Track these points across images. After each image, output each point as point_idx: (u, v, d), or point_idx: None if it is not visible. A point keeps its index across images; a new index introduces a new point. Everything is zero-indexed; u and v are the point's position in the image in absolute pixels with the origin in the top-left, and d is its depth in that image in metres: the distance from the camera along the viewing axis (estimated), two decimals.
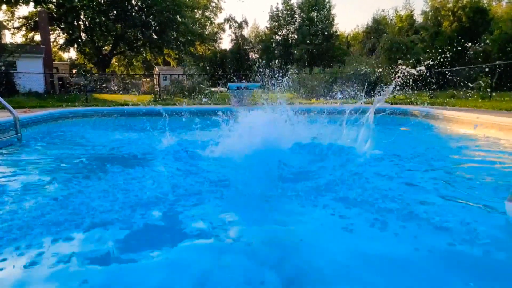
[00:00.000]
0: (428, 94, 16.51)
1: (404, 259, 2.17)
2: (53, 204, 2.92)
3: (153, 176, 3.81)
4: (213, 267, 2.09)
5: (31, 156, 5.26)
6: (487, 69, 17.55)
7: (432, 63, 15.22)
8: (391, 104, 12.23)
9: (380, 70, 18.91)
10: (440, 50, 25.31)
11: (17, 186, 3.56)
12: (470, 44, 32.16)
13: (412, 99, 13.31)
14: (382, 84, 17.65)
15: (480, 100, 12.80)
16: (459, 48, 30.99)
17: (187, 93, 18.01)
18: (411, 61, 23.65)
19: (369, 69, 18.95)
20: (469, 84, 15.07)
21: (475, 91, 15.29)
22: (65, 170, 4.25)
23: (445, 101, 12.72)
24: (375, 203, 2.95)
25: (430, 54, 26.74)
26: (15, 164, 4.63)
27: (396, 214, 2.72)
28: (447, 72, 17.85)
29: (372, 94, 16.60)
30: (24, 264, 1.99)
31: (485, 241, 2.27)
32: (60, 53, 44.58)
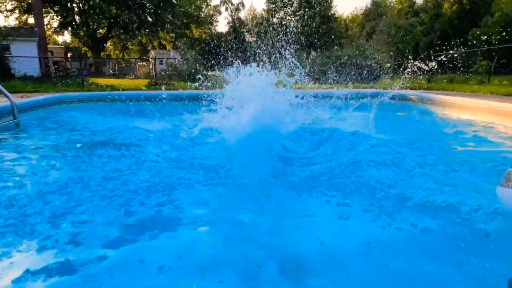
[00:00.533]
0: (427, 78, 16.47)
1: (401, 242, 2.24)
2: (53, 188, 2.96)
3: (149, 160, 3.84)
4: (210, 251, 2.15)
5: (30, 141, 5.26)
6: (488, 53, 17.47)
7: (445, 59, 15.11)
8: (389, 89, 12.21)
9: (380, 57, 18.79)
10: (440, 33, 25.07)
11: (17, 171, 3.59)
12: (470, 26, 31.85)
13: (410, 83, 13.29)
14: (381, 70, 17.56)
15: (476, 86, 12.81)
16: (459, 31, 30.74)
17: (186, 77, 17.86)
18: (410, 44, 23.47)
19: (376, 57, 18.78)
20: (468, 69, 15.03)
21: (474, 75, 15.27)
22: (64, 155, 4.27)
23: (443, 86, 12.72)
24: (370, 187, 3.01)
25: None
26: (14, 149, 4.65)
27: (392, 199, 2.78)
28: (446, 56, 17.76)
29: (370, 80, 16.56)
30: (24, 249, 2.05)
31: (478, 225, 2.34)
32: (55, 36, 43.88)
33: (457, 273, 1.92)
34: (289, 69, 5.10)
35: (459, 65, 16.05)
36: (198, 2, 41.75)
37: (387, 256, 2.09)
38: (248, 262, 2.02)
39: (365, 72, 16.13)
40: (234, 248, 2.17)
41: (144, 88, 14.82)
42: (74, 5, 33.27)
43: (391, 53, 20.61)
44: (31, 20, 32.18)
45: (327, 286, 1.81)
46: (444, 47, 19.30)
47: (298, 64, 5.14)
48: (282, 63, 5.24)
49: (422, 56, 19.80)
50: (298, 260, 2.06)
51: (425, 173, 3.45)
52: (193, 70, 19.17)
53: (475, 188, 3.08)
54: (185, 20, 37.14)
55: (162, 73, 21.60)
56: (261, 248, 2.17)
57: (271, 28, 46.81)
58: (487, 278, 1.84)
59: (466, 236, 2.29)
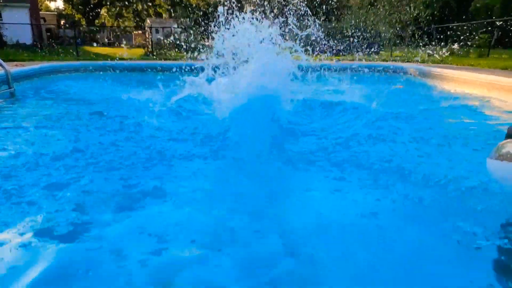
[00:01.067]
0: (426, 51, 16.28)
1: (395, 213, 2.33)
2: (49, 158, 3.01)
3: (144, 131, 3.87)
4: (208, 220, 2.22)
5: (25, 110, 5.25)
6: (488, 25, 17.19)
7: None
8: (387, 61, 12.09)
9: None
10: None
11: (12, 140, 3.62)
12: None
13: (409, 56, 13.15)
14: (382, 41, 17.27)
15: (475, 60, 12.69)
16: (462, 2, 30.01)
17: (183, 47, 17.53)
18: (411, 16, 22.98)
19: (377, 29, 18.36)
20: (468, 42, 14.83)
21: (474, 48, 15.09)
22: (61, 125, 4.29)
23: (442, 59, 12.60)
24: (366, 160, 3.08)
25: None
26: (9, 118, 4.65)
27: (388, 172, 2.85)
28: (445, 28, 17.47)
29: (370, 52, 16.32)
30: (19, 219, 2.11)
31: (468, 196, 2.44)
32: (47, 2, 42.51)
33: (447, 240, 2.00)
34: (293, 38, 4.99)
35: (460, 38, 15.83)
36: None
37: (382, 228, 2.17)
38: (246, 233, 2.08)
39: (366, 44, 15.89)
40: (231, 221, 2.21)
41: (139, 57, 14.59)
42: None
43: (393, 25, 20.19)
44: None
45: (323, 257, 1.87)
46: (445, 18, 18.93)
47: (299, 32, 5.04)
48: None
49: (424, 28, 19.47)
50: (296, 232, 2.11)
51: (420, 147, 3.52)
52: (189, 39, 18.80)
53: (467, 161, 3.16)
54: None
55: (159, 42, 21.17)
56: (260, 220, 2.22)
57: None
58: (474, 245, 1.94)
59: (457, 207, 2.37)
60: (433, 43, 15.82)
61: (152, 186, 2.60)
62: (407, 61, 11.85)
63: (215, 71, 4.86)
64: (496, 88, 6.38)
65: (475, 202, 2.38)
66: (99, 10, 38.30)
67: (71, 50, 16.93)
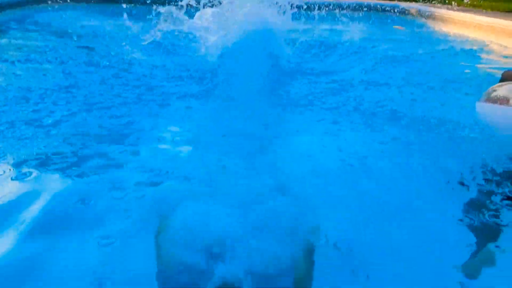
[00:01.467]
0: None
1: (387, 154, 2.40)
2: (36, 93, 2.96)
3: (134, 67, 3.79)
4: (199, 159, 2.25)
5: (11, 41, 5.03)
6: None
7: None
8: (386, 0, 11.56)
9: None
10: None
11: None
12: None
13: None
14: None
15: (476, 1, 12.13)
16: None
17: None
18: None
19: None
20: None
21: None
22: (48, 58, 4.13)
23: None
24: (360, 104, 3.09)
25: None
26: None
27: (381, 115, 2.88)
28: None
29: None
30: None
31: (456, 138, 2.51)
32: None
33: (433, 179, 2.11)
34: None
35: None
36: None
37: (371, 168, 2.24)
38: (239, 172, 2.12)
39: None
40: (223, 160, 2.23)
41: None
42: None
43: None
44: None
45: (312, 195, 1.94)
46: None
47: None
48: None
49: None
50: (287, 172, 2.16)
51: (413, 91, 3.51)
52: None
53: (460, 105, 3.18)
54: None
55: None
56: (251, 160, 2.25)
57: None
58: (459, 184, 2.04)
59: (446, 149, 2.44)
60: None
61: (143, 124, 2.62)
62: (414, 0, 11.26)
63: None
64: (496, 31, 6.22)
65: (463, 145, 2.45)
66: None
67: None
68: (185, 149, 2.38)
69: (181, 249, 1.36)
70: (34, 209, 1.65)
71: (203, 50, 4.29)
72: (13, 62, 3.93)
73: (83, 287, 1.36)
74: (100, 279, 1.39)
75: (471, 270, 1.57)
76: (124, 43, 4.75)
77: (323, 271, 1.45)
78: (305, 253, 1.48)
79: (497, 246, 1.69)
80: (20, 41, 5.13)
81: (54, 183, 1.88)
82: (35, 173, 1.92)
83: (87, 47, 4.60)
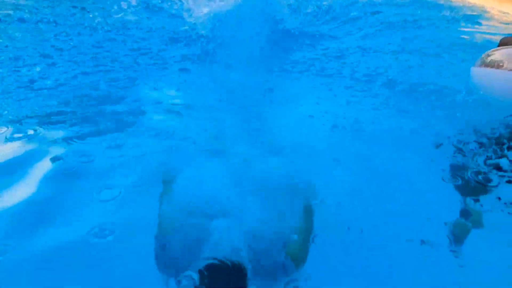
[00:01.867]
0: None
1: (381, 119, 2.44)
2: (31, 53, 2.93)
3: (130, 30, 3.72)
4: (198, 121, 2.28)
5: (4, 1, 4.85)
6: None
7: None
8: None
9: None
10: None
11: None
12: None
13: None
14: None
15: None
16: None
17: None
18: None
19: None
20: None
21: None
22: (43, 19, 4.04)
23: None
24: (357, 70, 3.09)
25: None
26: None
27: (375, 82, 2.89)
28: None
29: None
30: None
31: (448, 104, 2.54)
32: None
33: (424, 143, 2.17)
34: None
35: None
36: None
37: (365, 131, 2.29)
38: (238, 133, 2.17)
39: None
40: (222, 122, 2.29)
41: None
42: None
43: None
44: None
45: (307, 157, 2.00)
46: None
47: None
48: None
49: None
50: (282, 135, 2.21)
51: (409, 58, 3.50)
52: None
53: (455, 71, 3.19)
54: None
55: None
56: (248, 124, 2.29)
57: None
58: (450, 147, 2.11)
59: (437, 115, 2.48)
60: None
61: (142, 87, 2.63)
62: None
63: None
64: None
65: (455, 109, 2.49)
66: None
67: None
68: (183, 112, 2.40)
69: (182, 212, 1.39)
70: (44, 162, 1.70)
71: (202, 11, 4.20)
72: (6, 22, 3.83)
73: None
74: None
75: (459, 229, 1.65)
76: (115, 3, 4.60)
77: (322, 230, 1.52)
78: (304, 210, 1.54)
79: (482, 206, 1.78)
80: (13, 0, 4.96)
81: (57, 141, 1.92)
82: (31, 131, 1.97)
83: (79, 8, 4.46)
